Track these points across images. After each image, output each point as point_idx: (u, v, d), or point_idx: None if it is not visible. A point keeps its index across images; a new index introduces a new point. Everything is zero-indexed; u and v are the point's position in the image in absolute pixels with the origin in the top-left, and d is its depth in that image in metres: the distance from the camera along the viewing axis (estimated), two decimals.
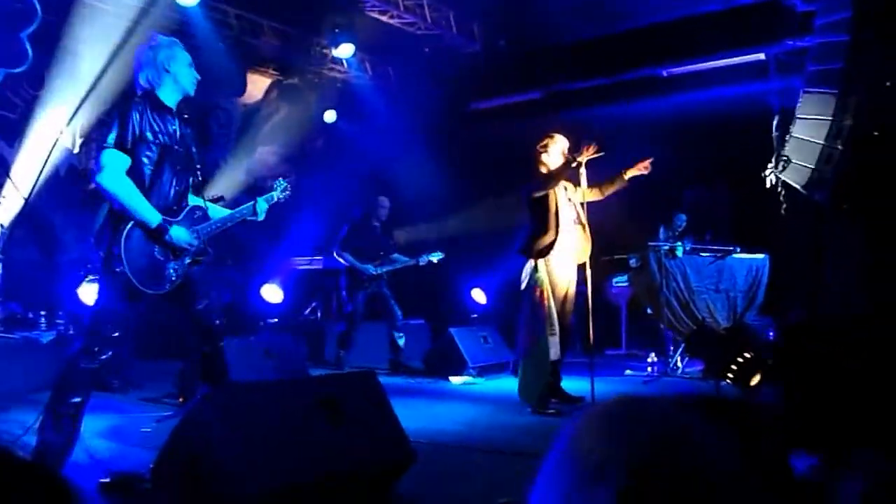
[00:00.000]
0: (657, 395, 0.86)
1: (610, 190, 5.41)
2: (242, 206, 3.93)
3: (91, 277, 6.65)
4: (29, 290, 7.40)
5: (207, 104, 8.90)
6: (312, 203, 8.97)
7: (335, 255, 7.49)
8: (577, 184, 5.28)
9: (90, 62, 7.17)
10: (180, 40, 3.75)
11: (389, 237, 7.73)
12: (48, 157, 8.23)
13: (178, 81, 3.61)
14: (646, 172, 5.33)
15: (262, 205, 3.95)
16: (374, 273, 7.38)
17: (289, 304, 8.88)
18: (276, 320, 8.46)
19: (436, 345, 7.49)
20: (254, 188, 3.96)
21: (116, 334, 3.43)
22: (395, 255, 7.61)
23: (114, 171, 3.38)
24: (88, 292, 6.64)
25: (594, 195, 5.42)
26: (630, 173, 5.31)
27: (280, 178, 4.19)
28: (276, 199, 4.06)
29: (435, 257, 7.57)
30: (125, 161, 3.41)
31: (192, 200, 3.76)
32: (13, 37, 3.30)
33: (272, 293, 8.74)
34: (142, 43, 3.68)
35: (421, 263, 7.55)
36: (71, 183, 8.23)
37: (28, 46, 3.44)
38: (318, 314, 8.96)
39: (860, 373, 1.88)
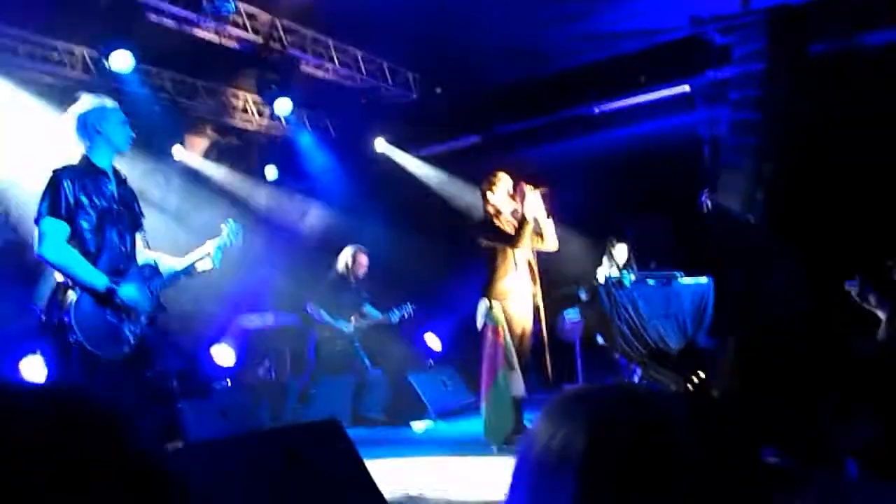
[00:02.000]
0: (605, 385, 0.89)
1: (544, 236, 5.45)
2: (194, 256, 3.86)
3: (33, 352, 6.45)
4: None
5: (146, 168, 8.81)
6: (258, 260, 8.89)
7: (309, 311, 7.34)
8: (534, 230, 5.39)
9: (22, 132, 7.08)
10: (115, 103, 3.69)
11: (363, 290, 7.59)
12: None
13: (110, 141, 3.55)
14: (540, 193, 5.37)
15: (216, 252, 3.89)
16: (349, 331, 7.28)
17: (241, 363, 8.71)
18: (228, 382, 8.28)
19: (396, 393, 7.44)
20: (197, 247, 3.94)
21: None
22: (368, 308, 7.51)
23: (53, 240, 3.33)
24: (30, 367, 6.43)
25: (541, 244, 5.48)
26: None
27: (230, 220, 4.07)
28: (228, 244, 3.96)
29: (406, 311, 7.51)
30: (64, 228, 3.35)
31: (142, 258, 3.71)
32: None
33: (223, 354, 8.57)
34: (71, 104, 3.63)
35: (393, 320, 7.49)
36: (8, 255, 8.01)
37: None
38: (273, 373, 8.81)
39: (805, 366, 1.96)
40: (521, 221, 5.29)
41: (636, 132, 8.44)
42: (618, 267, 7.78)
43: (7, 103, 7.09)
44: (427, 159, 10.01)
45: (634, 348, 6.68)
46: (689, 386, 4.79)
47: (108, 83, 7.80)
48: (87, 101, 3.59)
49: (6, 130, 7.02)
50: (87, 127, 3.53)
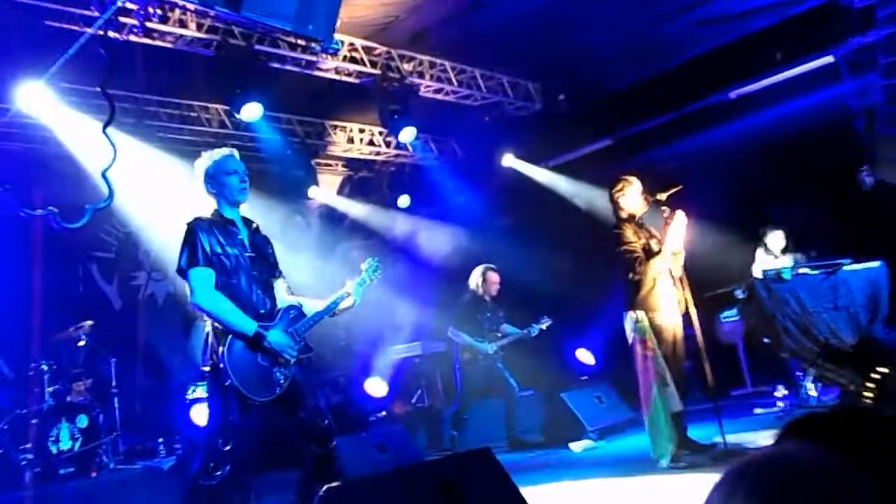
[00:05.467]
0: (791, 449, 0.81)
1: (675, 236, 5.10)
2: (335, 296, 3.91)
3: (197, 396, 6.79)
4: (145, 419, 7.59)
5: (286, 210, 9.17)
6: (400, 291, 8.97)
7: (450, 334, 7.38)
8: (664, 223, 5.07)
9: (172, 194, 7.52)
10: (250, 153, 3.80)
11: (500, 309, 7.56)
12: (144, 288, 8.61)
13: (230, 194, 3.68)
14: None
15: (356, 290, 3.95)
16: (491, 350, 7.23)
17: (393, 394, 8.81)
18: (384, 413, 8.37)
19: (550, 413, 7.24)
20: (340, 281, 4.04)
21: (230, 447, 3.40)
22: (506, 327, 7.45)
23: (204, 289, 3.46)
24: (200, 413, 6.75)
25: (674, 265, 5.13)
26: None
27: (369, 259, 4.15)
28: (368, 281, 4.04)
29: (544, 324, 7.39)
30: (210, 275, 3.49)
31: (285, 302, 3.78)
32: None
33: (376, 387, 8.70)
34: (198, 160, 3.77)
35: (532, 334, 7.37)
36: (170, 309, 8.54)
37: (110, 182, 3.59)
38: (426, 401, 8.84)
39: None
40: (662, 243, 5.02)
41: (778, 113, 7.86)
42: (776, 257, 7.19)
43: (156, 169, 7.53)
44: (556, 169, 9.78)
45: (803, 346, 6.13)
46: (868, 385, 4.31)
47: (242, 134, 8.20)
48: (207, 157, 3.71)
49: (159, 195, 7.45)
50: (211, 181, 3.66)
